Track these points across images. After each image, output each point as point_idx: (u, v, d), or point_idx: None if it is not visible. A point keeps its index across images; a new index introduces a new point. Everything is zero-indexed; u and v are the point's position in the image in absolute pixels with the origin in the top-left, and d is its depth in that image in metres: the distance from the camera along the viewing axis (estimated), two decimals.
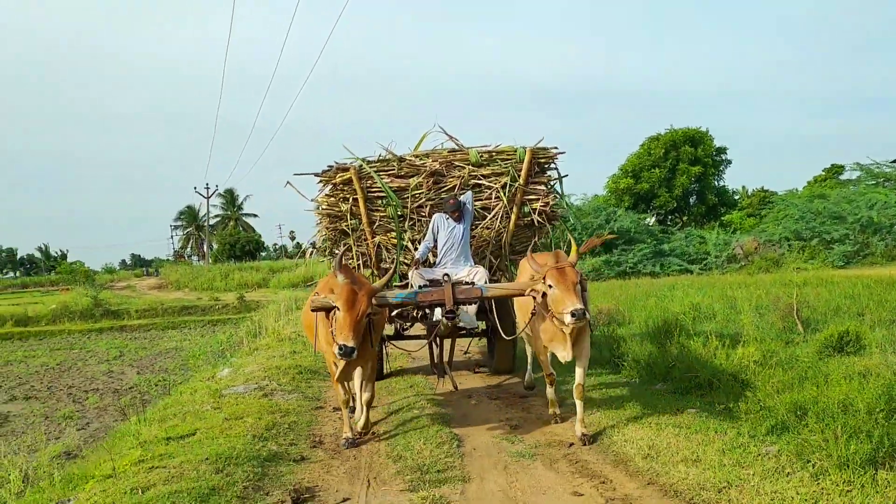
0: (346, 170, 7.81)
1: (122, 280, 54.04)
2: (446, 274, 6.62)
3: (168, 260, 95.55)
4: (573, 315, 4.94)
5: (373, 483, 4.75)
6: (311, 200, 8.51)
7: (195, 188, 64.53)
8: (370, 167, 7.87)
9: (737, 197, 36.37)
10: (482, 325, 8.35)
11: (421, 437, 5.64)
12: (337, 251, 7.86)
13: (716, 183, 31.94)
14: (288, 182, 8.49)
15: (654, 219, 32.04)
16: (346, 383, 5.92)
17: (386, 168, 7.96)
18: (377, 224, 7.98)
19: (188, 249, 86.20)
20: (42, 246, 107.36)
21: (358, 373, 5.98)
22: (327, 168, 8.03)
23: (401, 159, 7.99)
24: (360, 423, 5.95)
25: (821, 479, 4.07)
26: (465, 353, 10.19)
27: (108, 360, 16.90)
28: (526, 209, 7.97)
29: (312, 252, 9.08)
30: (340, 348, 4.89)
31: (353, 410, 6.34)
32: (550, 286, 5.23)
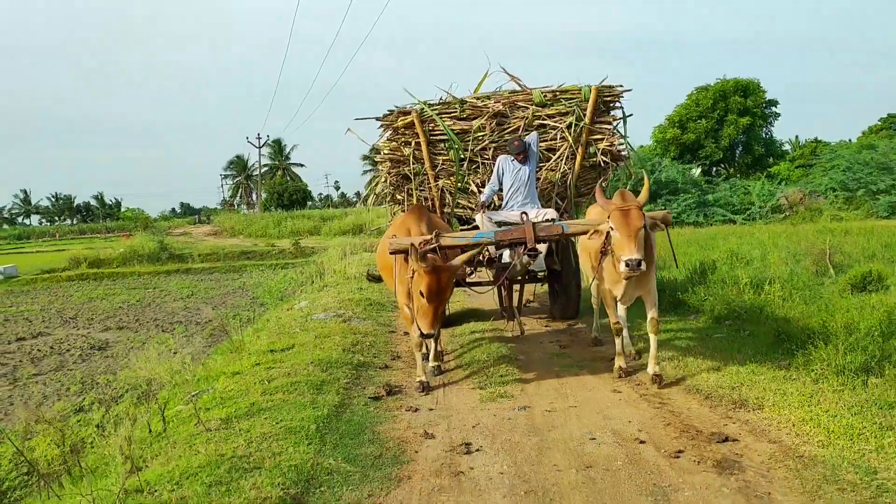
0: (407, 113, 7.71)
1: (177, 227, 56.12)
2: (525, 212, 6.62)
3: (216, 209, 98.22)
4: (627, 265, 4.78)
5: (448, 384, 5.78)
6: (372, 146, 8.52)
7: (247, 138, 66.01)
8: (432, 110, 7.75)
9: (786, 148, 36.23)
10: (555, 265, 8.03)
11: (485, 353, 6.66)
12: (400, 196, 8.19)
13: (763, 134, 31.92)
14: (349, 128, 8.32)
15: (699, 170, 32.25)
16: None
17: (447, 111, 7.83)
18: (440, 168, 7.89)
19: (237, 198, 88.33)
20: (98, 194, 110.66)
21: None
22: (388, 112, 7.92)
23: (462, 101, 7.85)
24: (431, 364, 6.06)
25: (820, 382, 4.95)
26: (530, 301, 9.93)
27: (183, 298, 18.34)
28: (591, 150, 7.81)
29: (373, 198, 8.79)
30: (422, 335, 5.05)
31: (425, 357, 6.14)
32: (612, 227, 5.04)
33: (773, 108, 31.68)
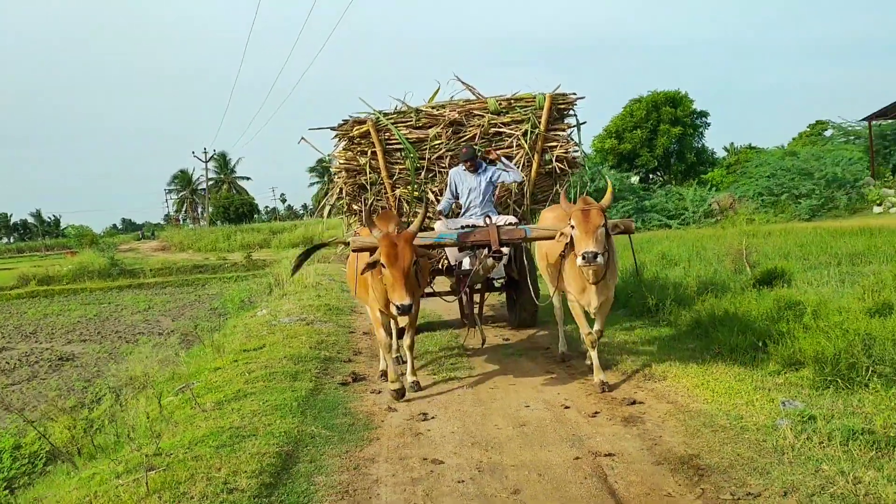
0: (363, 122, 7.72)
1: (123, 243, 55.47)
2: (488, 215, 6.84)
3: (159, 224, 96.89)
4: (583, 257, 4.86)
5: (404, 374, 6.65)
6: (328, 156, 8.52)
7: (193, 152, 65.94)
8: (387, 119, 7.78)
9: (717, 156, 38.24)
10: (514, 273, 7.95)
11: (437, 346, 7.55)
12: (356, 206, 8.17)
13: (695, 143, 33.77)
14: (303, 138, 8.35)
15: (637, 177, 33.81)
16: (388, 325, 5.82)
17: (403, 120, 7.87)
18: (397, 177, 7.90)
19: (182, 213, 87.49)
20: (35, 211, 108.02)
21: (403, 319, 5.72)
22: (343, 122, 7.95)
23: (417, 110, 7.92)
24: (409, 378, 5.84)
25: (716, 359, 5.97)
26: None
27: (140, 311, 18.76)
28: (547, 157, 7.90)
29: (330, 209, 8.77)
30: (399, 308, 4.84)
31: (399, 361, 6.36)
32: (573, 226, 5.11)
33: (704, 119, 33.55)
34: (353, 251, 5.65)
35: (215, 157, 73.98)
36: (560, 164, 7.88)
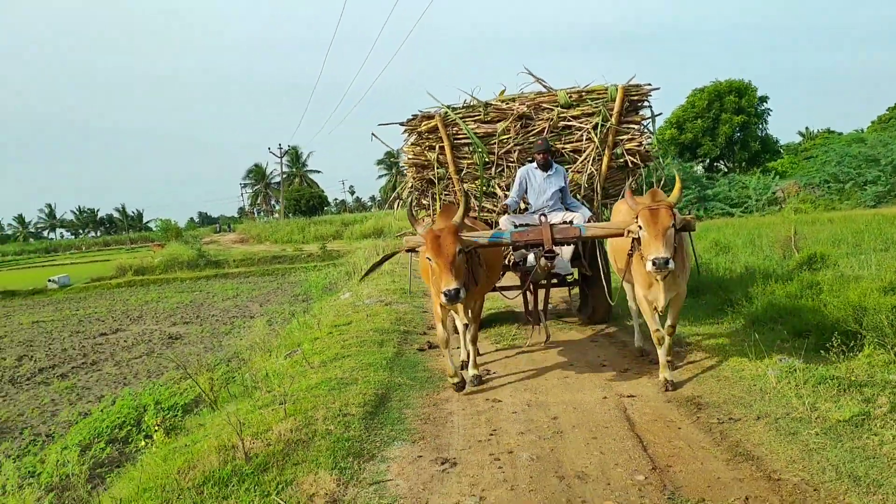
0: (431, 117, 7.75)
1: (203, 236, 58.50)
2: (542, 214, 6.73)
3: (233, 217, 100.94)
4: (654, 264, 4.68)
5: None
6: (397, 151, 9.11)
7: (269, 148, 68.89)
8: (455, 114, 7.77)
9: (782, 143, 38.07)
10: (575, 274, 8.01)
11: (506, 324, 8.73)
12: (425, 200, 8.26)
13: (759, 132, 33.86)
14: (373, 133, 8.37)
15: (700, 167, 34.15)
16: (446, 321, 5.76)
17: (471, 114, 7.85)
18: (465, 171, 7.89)
19: (256, 206, 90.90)
20: (120, 206, 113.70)
21: (461, 311, 5.62)
22: (412, 117, 8.01)
23: (486, 104, 7.85)
24: (471, 372, 5.94)
25: (741, 329, 6.96)
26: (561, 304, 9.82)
27: (230, 298, 20.55)
28: (618, 150, 7.68)
29: (398, 202, 8.84)
30: (445, 294, 4.80)
31: (465, 367, 6.27)
32: (640, 227, 4.93)
33: (765, 105, 33.60)
34: (406, 251, 5.94)
35: (288, 151, 76.69)
36: (632, 158, 7.65)
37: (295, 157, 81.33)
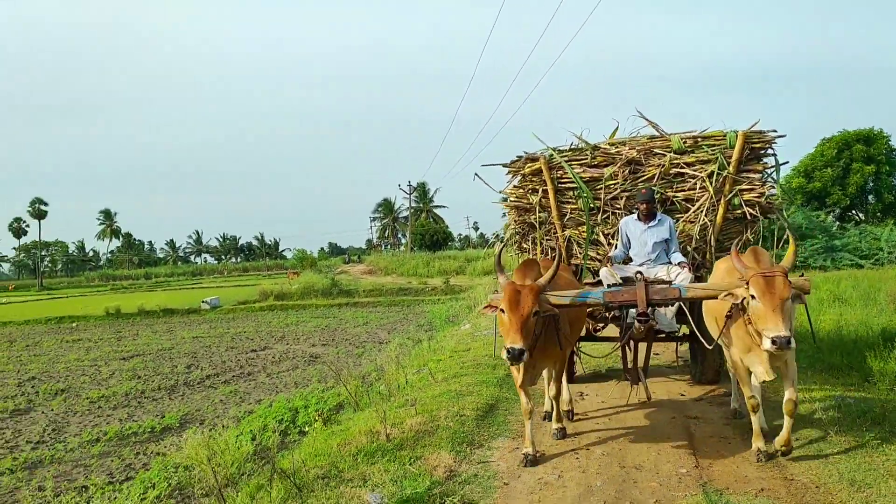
0: (535, 160, 7.50)
1: (335, 266, 62.12)
2: (639, 271, 6.11)
3: (361, 248, 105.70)
4: (774, 343, 4.31)
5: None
6: (499, 192, 8.20)
7: (399, 185, 72.71)
8: (561, 157, 7.46)
9: None
10: (684, 329, 7.26)
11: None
12: (525, 245, 8.00)
13: (894, 181, 32.78)
14: (476, 174, 8.10)
15: (831, 216, 33.34)
16: (528, 390, 5.46)
17: (578, 157, 7.53)
18: (567, 217, 7.56)
19: (384, 239, 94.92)
20: (258, 235, 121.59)
21: (545, 374, 5.88)
22: (516, 158, 7.79)
23: (594, 147, 7.51)
24: (554, 425, 5.95)
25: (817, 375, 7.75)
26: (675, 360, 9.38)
27: (360, 325, 22.54)
28: (736, 200, 7.12)
29: (501, 245, 8.37)
30: (508, 352, 4.67)
31: (548, 417, 6.30)
32: (753, 297, 4.55)
33: None
34: (485, 308, 5.44)
35: (415, 187, 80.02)
36: (751, 210, 7.09)
37: (423, 192, 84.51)
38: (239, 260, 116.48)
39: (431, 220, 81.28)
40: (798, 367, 5.47)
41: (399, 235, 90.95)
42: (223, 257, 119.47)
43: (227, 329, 23.42)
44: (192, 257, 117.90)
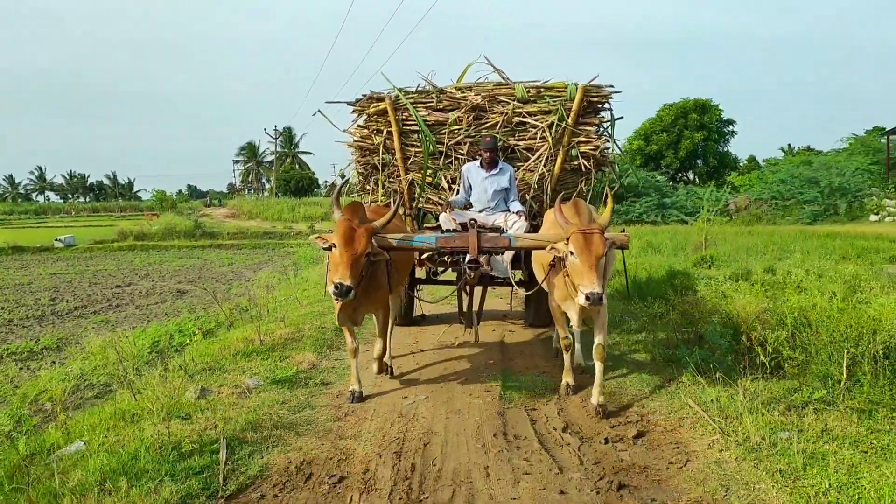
0: (380, 100, 7.41)
1: (197, 208, 60.77)
2: (473, 219, 6.23)
3: (223, 192, 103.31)
4: (588, 299, 4.46)
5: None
6: (343, 131, 8.04)
7: (265, 129, 71.57)
8: (406, 98, 7.41)
9: (742, 160, 41.19)
10: (519, 275, 7.43)
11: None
12: (369, 186, 7.97)
13: (720, 148, 36.93)
14: (319, 110, 8.01)
15: (664, 177, 37.10)
16: (352, 328, 5.62)
17: (424, 100, 7.50)
18: (411, 160, 7.56)
19: (247, 183, 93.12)
20: (111, 174, 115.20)
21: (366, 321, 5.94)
22: (361, 97, 7.65)
23: (440, 91, 7.50)
24: (374, 367, 6.11)
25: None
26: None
27: (227, 265, 23.16)
28: (574, 152, 7.28)
29: (341, 182, 8.27)
30: (336, 287, 4.66)
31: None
32: (572, 252, 4.68)
33: (731, 127, 36.73)
34: (324, 248, 5.27)
35: (281, 132, 78.93)
36: (586, 162, 7.29)
37: (288, 137, 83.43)
38: (88, 200, 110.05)
39: (297, 165, 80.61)
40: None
41: (263, 180, 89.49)
42: (70, 196, 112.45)
43: (87, 267, 23.29)
44: (34, 195, 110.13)
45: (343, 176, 8.68)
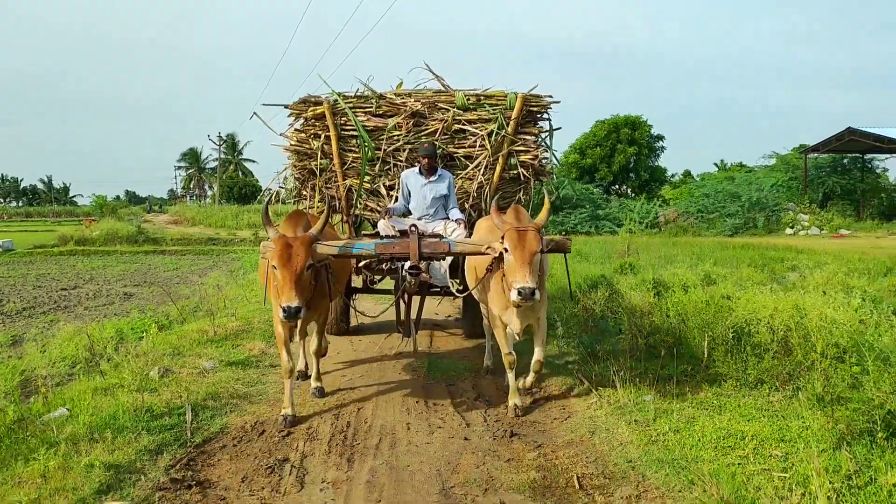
0: (318, 103, 7.35)
1: (139, 214, 60.16)
2: (413, 225, 6.24)
3: (162, 199, 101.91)
4: (520, 293, 4.42)
5: None
6: (280, 135, 7.91)
7: (209, 136, 71.60)
8: (345, 102, 7.35)
9: (673, 175, 43.31)
10: (456, 284, 7.00)
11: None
12: (305, 192, 7.82)
13: (650, 163, 38.86)
14: (255, 113, 7.94)
15: (598, 189, 38.84)
16: (290, 347, 5.40)
17: (363, 105, 7.45)
18: (349, 166, 7.48)
19: (189, 190, 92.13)
20: (45, 178, 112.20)
21: (311, 328, 5.81)
22: (299, 100, 7.58)
23: (380, 96, 7.47)
24: (313, 384, 5.88)
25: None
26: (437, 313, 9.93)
27: (172, 270, 23.55)
28: (512, 161, 7.30)
29: (269, 195, 7.97)
30: (284, 311, 4.52)
31: (305, 377, 6.26)
32: (507, 249, 4.64)
33: (661, 142, 38.74)
34: (264, 257, 5.13)
35: (224, 138, 78.59)
36: (525, 171, 7.32)
37: (232, 144, 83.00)
38: (21, 204, 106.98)
39: (241, 173, 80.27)
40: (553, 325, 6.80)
41: (206, 187, 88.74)
42: (2, 200, 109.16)
43: (29, 270, 23.34)
44: None
45: (270, 189, 8.56)
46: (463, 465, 4.30)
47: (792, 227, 31.00)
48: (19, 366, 6.42)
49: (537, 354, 5.21)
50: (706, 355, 5.91)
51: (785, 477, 3.59)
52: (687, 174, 47.58)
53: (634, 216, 34.38)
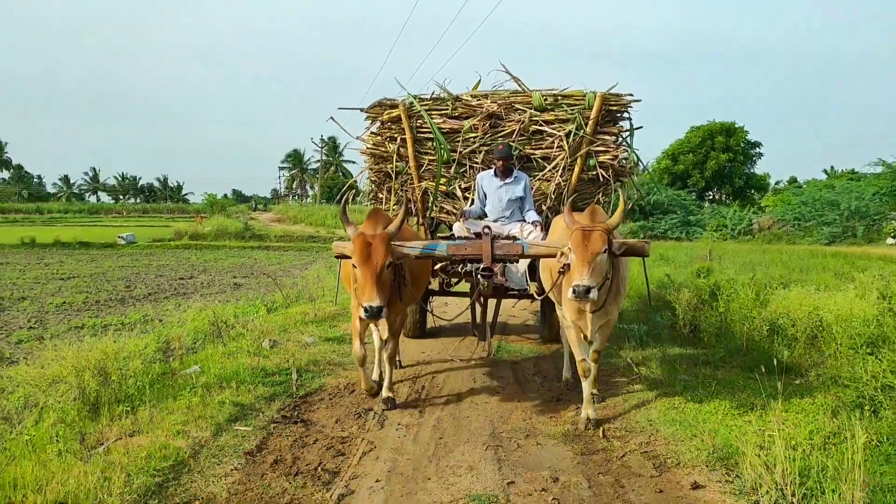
0: (394, 107, 7.36)
1: (245, 212, 63.70)
2: (487, 226, 6.13)
3: (266, 197, 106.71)
4: (573, 291, 4.32)
5: None
6: (356, 138, 7.93)
7: (311, 138, 74.76)
8: (421, 105, 7.33)
9: (778, 182, 42.39)
10: (534, 287, 6.90)
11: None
12: (381, 195, 7.84)
13: (746, 169, 38.32)
14: (331, 117, 7.93)
15: (692, 195, 38.66)
16: (364, 336, 5.43)
17: (439, 107, 7.42)
18: (425, 168, 7.45)
19: (291, 190, 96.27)
20: (162, 177, 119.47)
21: (382, 325, 5.50)
22: (375, 103, 7.58)
23: (456, 98, 7.44)
24: (384, 393, 5.57)
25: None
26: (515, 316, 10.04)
27: (276, 264, 25.43)
28: (591, 162, 7.12)
29: (349, 194, 8.31)
30: (366, 310, 4.50)
31: (376, 394, 5.83)
32: (570, 248, 4.54)
33: (757, 149, 38.12)
34: (336, 257, 5.43)
35: (325, 140, 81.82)
36: (604, 172, 7.13)
37: (333, 147, 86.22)
38: (139, 201, 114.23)
39: (341, 174, 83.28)
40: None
41: (307, 187, 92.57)
42: (121, 197, 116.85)
43: (150, 262, 25.76)
44: (86, 195, 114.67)
45: (353, 187, 8.51)
46: (512, 418, 5.25)
47: (894, 237, 29.98)
48: (162, 333, 7.74)
49: (596, 344, 5.08)
50: (745, 344, 6.61)
51: (764, 431, 4.33)
52: (792, 181, 46.44)
53: (726, 222, 34.15)
